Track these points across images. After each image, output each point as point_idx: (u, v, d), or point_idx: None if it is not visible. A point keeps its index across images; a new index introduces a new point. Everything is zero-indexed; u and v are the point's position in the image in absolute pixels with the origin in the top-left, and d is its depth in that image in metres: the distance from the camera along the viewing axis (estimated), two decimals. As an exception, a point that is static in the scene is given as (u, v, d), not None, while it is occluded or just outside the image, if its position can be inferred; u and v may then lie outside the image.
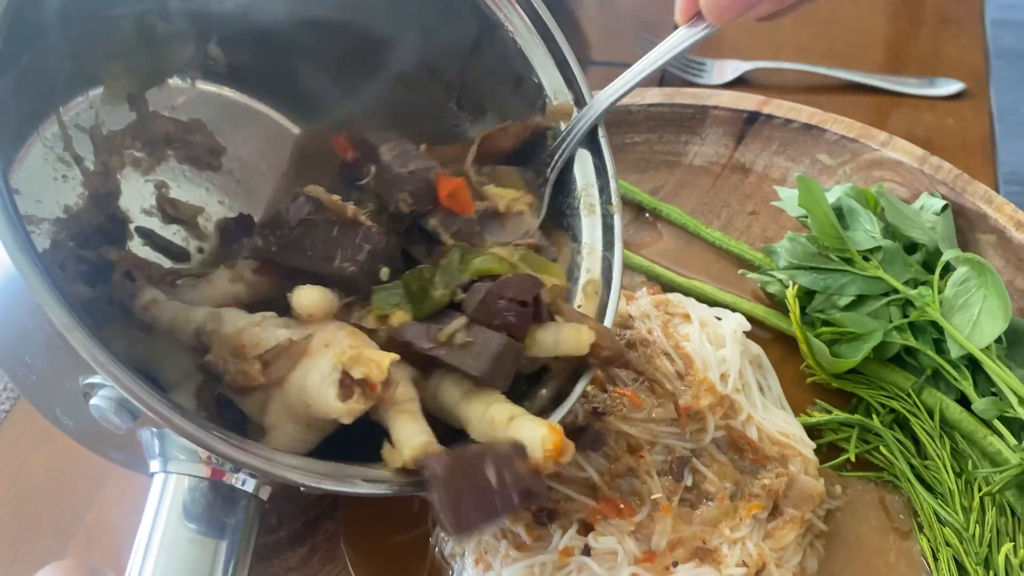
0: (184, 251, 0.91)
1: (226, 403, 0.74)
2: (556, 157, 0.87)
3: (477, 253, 0.79)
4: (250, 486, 0.67)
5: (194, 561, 0.65)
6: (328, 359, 0.69)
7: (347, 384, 0.68)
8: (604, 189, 0.86)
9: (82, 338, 0.57)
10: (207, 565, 0.65)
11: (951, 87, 1.49)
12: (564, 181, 0.88)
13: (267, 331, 0.71)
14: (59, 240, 0.81)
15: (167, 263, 0.90)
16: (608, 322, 0.80)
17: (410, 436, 0.69)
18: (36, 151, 0.82)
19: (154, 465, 0.66)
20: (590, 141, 0.87)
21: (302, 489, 0.68)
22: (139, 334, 0.75)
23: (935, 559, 0.87)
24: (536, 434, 0.67)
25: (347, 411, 0.68)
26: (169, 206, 0.90)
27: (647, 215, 1.16)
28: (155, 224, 0.91)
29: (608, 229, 0.85)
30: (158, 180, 0.90)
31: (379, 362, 0.68)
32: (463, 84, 0.91)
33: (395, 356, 0.69)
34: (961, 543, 0.86)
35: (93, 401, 0.61)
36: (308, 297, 0.73)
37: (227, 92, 0.94)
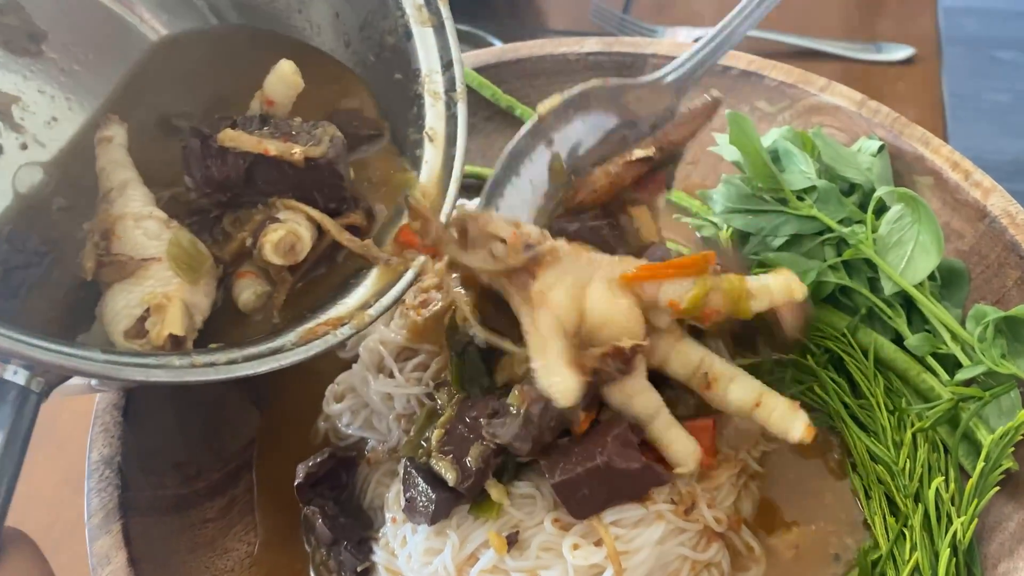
0: None
1: None
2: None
3: None
4: (21, 378, 0.64)
5: None
6: (141, 293, 0.68)
7: (141, 328, 0.68)
8: (448, 73, 0.84)
9: None
10: None
11: (902, 52, 1.48)
12: (407, 67, 0.86)
13: (134, 234, 0.68)
14: None
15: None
16: (447, 208, 0.80)
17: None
18: None
19: None
20: (435, 21, 0.85)
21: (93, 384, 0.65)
22: None
23: (868, 498, 0.85)
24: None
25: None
26: None
27: (586, 166, 1.13)
28: None
29: (452, 119, 0.82)
30: None
31: (171, 321, 0.67)
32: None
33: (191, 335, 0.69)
34: (892, 479, 0.84)
35: None
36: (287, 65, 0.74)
37: None
